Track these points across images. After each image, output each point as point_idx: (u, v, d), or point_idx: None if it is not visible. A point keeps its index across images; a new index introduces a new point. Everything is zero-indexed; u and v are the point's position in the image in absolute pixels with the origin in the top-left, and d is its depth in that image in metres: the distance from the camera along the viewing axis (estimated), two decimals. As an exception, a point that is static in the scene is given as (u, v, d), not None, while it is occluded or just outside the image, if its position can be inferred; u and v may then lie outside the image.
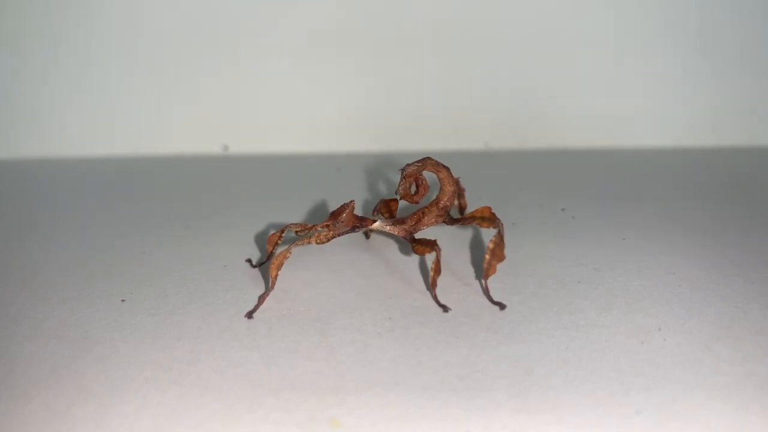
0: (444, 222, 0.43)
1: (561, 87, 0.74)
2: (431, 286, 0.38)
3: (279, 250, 0.45)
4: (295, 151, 0.75)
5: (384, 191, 0.61)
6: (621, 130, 0.76)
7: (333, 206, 0.56)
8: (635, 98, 0.74)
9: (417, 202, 0.42)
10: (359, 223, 0.41)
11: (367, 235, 0.49)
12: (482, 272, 0.39)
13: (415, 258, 0.45)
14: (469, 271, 0.43)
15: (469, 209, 0.53)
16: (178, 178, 0.67)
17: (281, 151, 0.75)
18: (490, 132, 0.75)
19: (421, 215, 0.42)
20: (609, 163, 0.70)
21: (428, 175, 0.57)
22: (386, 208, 0.45)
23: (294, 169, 0.71)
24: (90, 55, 0.70)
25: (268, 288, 0.38)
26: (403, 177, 0.40)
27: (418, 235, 0.45)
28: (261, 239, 0.49)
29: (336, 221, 0.39)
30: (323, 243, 0.40)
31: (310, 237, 0.40)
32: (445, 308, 0.37)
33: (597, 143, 0.76)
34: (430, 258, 0.43)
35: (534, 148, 0.76)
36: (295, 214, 0.55)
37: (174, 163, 0.72)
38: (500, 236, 0.38)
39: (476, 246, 0.47)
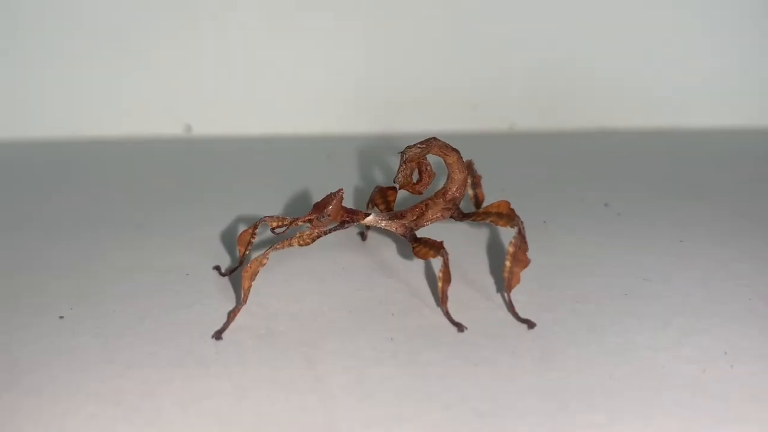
0: (452, 217, 0.43)
1: (603, 56, 0.74)
2: (441, 300, 0.38)
3: (253, 254, 0.45)
4: (273, 133, 0.75)
5: (381, 180, 0.61)
6: (677, 108, 0.76)
7: (318, 197, 0.55)
8: (695, 69, 0.74)
9: (420, 193, 0.42)
10: (349, 217, 0.40)
11: (363, 236, 0.49)
12: (503, 284, 0.39)
13: (422, 265, 0.45)
14: (490, 281, 0.43)
15: (488, 203, 0.52)
16: (130, 165, 0.67)
17: (256, 132, 0.75)
18: (515, 109, 0.75)
19: (424, 208, 0.42)
20: (662, 148, 0.70)
21: (434, 159, 0.56)
22: (382, 199, 0.45)
23: (272, 154, 0.71)
24: (17, 16, 0.70)
25: (240, 302, 0.38)
26: (404, 162, 0.40)
27: (420, 233, 0.45)
28: (232, 241, 0.49)
29: (321, 214, 0.39)
30: (307, 244, 0.40)
31: (290, 238, 0.40)
32: (460, 327, 0.37)
33: (647, 123, 0.76)
34: (437, 264, 0.42)
35: (570, 128, 0.76)
36: (273, 209, 0.55)
37: (124, 147, 0.72)
38: (521, 237, 0.38)
39: (498, 249, 0.47)
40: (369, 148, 0.70)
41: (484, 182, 0.51)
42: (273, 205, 0.56)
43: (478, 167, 0.50)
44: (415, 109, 0.75)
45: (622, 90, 0.75)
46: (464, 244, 0.48)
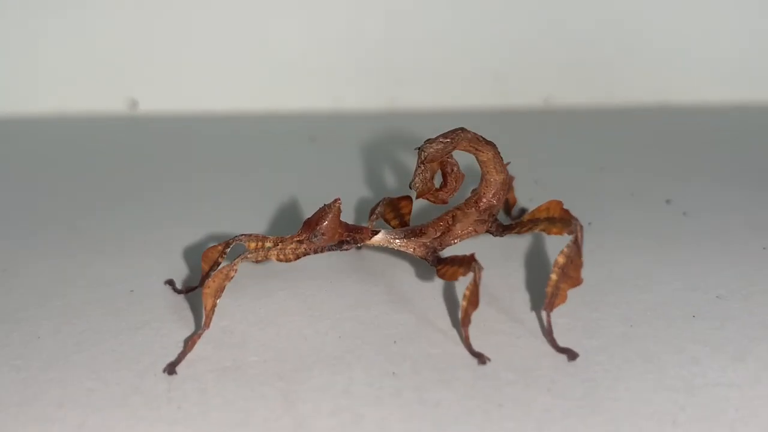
0: (489, 231, 0.42)
1: (659, 15, 0.74)
2: (462, 324, 0.38)
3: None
4: (242, 110, 0.75)
5: (389, 180, 0.61)
6: (753, 80, 0.76)
7: (304, 198, 0.55)
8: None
9: (445, 202, 0.42)
10: (350, 236, 0.41)
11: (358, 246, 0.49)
12: (543, 301, 0.39)
13: (432, 280, 0.45)
14: (521, 298, 0.43)
15: (522, 201, 0.52)
16: (59, 150, 0.67)
17: (220, 109, 0.75)
18: (552, 82, 0.75)
19: (450, 222, 0.42)
20: (740, 128, 0.70)
21: (461, 156, 0.56)
22: (394, 212, 0.45)
23: (242, 137, 0.71)
24: None
25: (201, 326, 0.38)
26: (422, 161, 0.40)
27: (446, 253, 0.45)
28: (190, 248, 0.49)
29: (313, 234, 0.39)
30: (289, 261, 0.40)
31: (267, 249, 0.40)
32: (481, 358, 0.37)
33: (718, 97, 0.76)
34: (461, 281, 0.42)
35: (619, 104, 0.76)
36: (243, 208, 0.54)
37: (52, 127, 0.71)
38: (577, 247, 0.38)
39: (532, 259, 0.47)
40: (369, 133, 0.70)
41: (512, 173, 0.51)
42: (242, 202, 0.56)
43: (504, 151, 0.50)
44: (426, 80, 0.75)
45: (684, 56, 0.75)
46: (487, 249, 0.47)
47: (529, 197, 0.54)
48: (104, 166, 0.63)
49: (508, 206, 0.50)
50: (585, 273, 0.44)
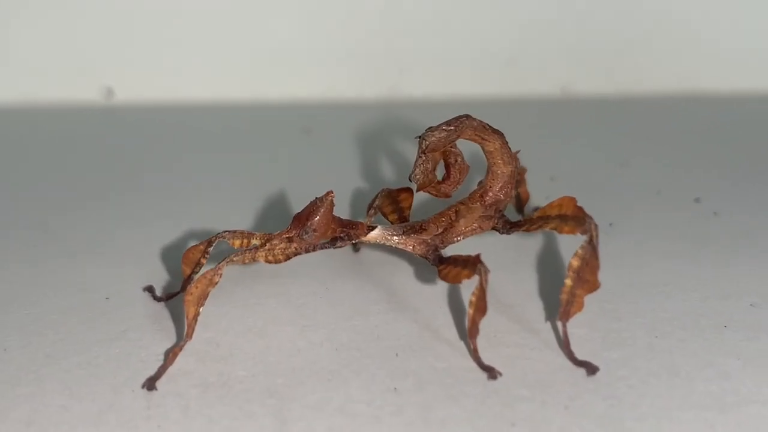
0: (495, 229, 0.42)
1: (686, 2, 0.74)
2: (469, 335, 0.37)
3: (202, 270, 0.45)
4: (228, 99, 0.75)
5: (388, 175, 0.61)
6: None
7: (295, 194, 0.55)
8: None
9: (448, 195, 0.42)
10: (344, 232, 0.41)
11: (355, 246, 0.49)
12: (558, 310, 0.39)
13: (437, 285, 0.45)
14: (535, 306, 0.43)
15: (536, 198, 0.52)
16: (29, 143, 0.67)
17: (203, 98, 0.75)
18: (570, 68, 0.75)
19: (453, 217, 0.42)
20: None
21: (467, 146, 0.56)
22: (392, 206, 0.45)
23: (228, 129, 0.71)
24: None
25: (183, 337, 0.38)
26: (423, 151, 0.40)
27: (448, 251, 0.45)
28: (170, 251, 0.49)
29: (303, 230, 0.39)
30: (279, 261, 0.40)
31: (254, 249, 0.40)
32: (491, 372, 0.37)
33: (753, 84, 0.76)
34: (467, 286, 0.42)
35: (642, 93, 0.76)
36: (229, 206, 0.54)
37: (21, 117, 0.71)
38: (592, 248, 0.38)
39: (548, 262, 0.47)
40: (367, 123, 0.70)
41: (527, 174, 0.51)
42: (228, 199, 0.55)
43: (517, 145, 0.50)
44: (430, 65, 0.75)
45: (716, 39, 0.75)
46: (497, 252, 0.47)
47: (544, 195, 0.54)
48: (77, 161, 0.63)
49: (521, 203, 0.50)
50: (606, 279, 0.44)
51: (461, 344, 0.40)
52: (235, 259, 0.39)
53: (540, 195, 0.54)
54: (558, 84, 0.76)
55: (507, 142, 0.41)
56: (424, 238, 0.42)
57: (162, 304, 0.43)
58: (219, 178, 0.60)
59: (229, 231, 0.41)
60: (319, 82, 0.75)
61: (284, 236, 0.39)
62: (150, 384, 0.37)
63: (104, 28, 0.73)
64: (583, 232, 0.38)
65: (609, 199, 0.55)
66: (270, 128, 0.71)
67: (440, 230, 0.42)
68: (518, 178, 0.49)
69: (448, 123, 0.39)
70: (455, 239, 0.42)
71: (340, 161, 0.63)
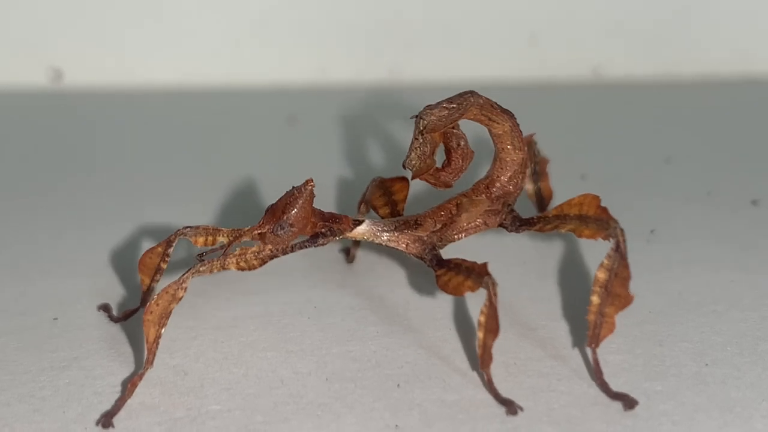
0: (502, 225, 0.42)
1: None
2: (481, 363, 0.37)
3: (163, 283, 0.45)
4: (199, 83, 0.75)
5: (380, 163, 0.61)
6: None
7: (273, 194, 0.55)
8: None
9: (448, 185, 0.42)
10: (326, 227, 0.41)
11: (349, 254, 0.49)
12: (586, 334, 0.39)
13: (447, 301, 0.45)
14: (562, 328, 0.43)
15: (558, 198, 0.52)
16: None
17: (167, 81, 0.75)
18: (603, 47, 0.75)
19: (454, 211, 0.42)
20: None
21: (471, 129, 0.56)
22: (384, 198, 0.45)
23: (199, 117, 0.71)
24: None
25: (144, 364, 0.38)
26: (420, 132, 0.40)
27: (448, 252, 0.45)
28: (129, 264, 0.49)
29: (278, 224, 0.39)
30: (253, 268, 0.40)
31: (223, 256, 0.39)
32: (511, 407, 0.37)
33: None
34: (475, 300, 0.42)
35: (689, 76, 0.76)
36: (199, 208, 0.54)
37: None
38: (620, 256, 0.38)
39: (578, 276, 0.47)
40: (359, 109, 0.70)
41: (551, 166, 0.51)
42: (199, 199, 0.55)
43: (542, 138, 0.50)
44: (438, 44, 0.75)
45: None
46: (513, 262, 0.47)
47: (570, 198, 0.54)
48: (19, 152, 0.63)
49: (543, 201, 0.50)
50: (646, 295, 0.44)
51: (474, 373, 0.39)
52: (201, 269, 0.39)
53: (569, 196, 0.54)
54: (589, 65, 0.76)
55: (518, 125, 0.41)
56: (420, 234, 0.42)
57: (120, 326, 0.43)
58: (187, 174, 0.60)
59: (190, 227, 0.41)
60: (307, 64, 0.75)
61: (256, 231, 0.39)
62: (106, 420, 0.37)
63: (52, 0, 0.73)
64: (606, 238, 0.38)
65: (650, 201, 0.55)
66: (249, 118, 0.71)
67: (438, 226, 0.42)
68: (539, 169, 0.49)
69: (449, 100, 0.39)
70: (456, 237, 0.42)
71: (331, 156, 0.63)
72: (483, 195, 0.42)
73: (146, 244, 0.50)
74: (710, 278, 0.47)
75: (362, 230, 0.42)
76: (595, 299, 0.38)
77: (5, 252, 0.50)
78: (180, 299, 0.38)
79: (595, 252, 0.49)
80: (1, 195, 0.57)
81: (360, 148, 0.64)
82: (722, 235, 0.51)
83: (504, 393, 0.38)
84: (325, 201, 0.54)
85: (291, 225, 0.39)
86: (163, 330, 0.38)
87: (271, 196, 0.56)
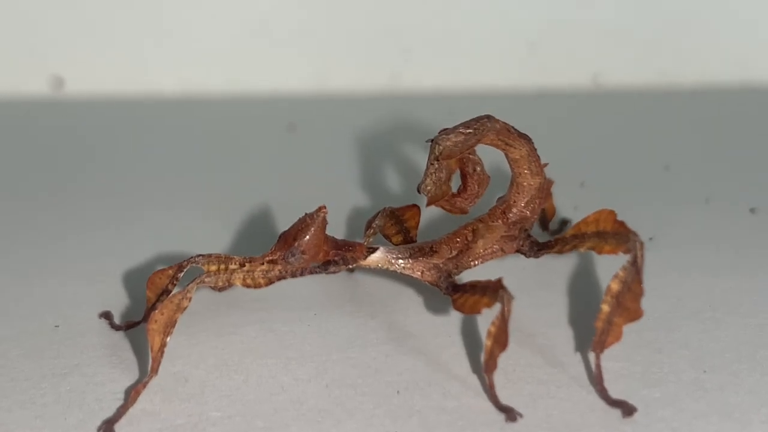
0: (520, 251, 0.42)
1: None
2: (485, 369, 0.37)
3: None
4: (200, 91, 0.75)
5: (390, 182, 0.61)
6: None
7: (280, 204, 0.55)
8: None
9: (464, 212, 0.42)
10: (339, 255, 0.41)
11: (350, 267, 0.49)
12: (591, 341, 0.39)
13: (446, 310, 0.45)
14: (562, 336, 0.43)
15: (563, 210, 0.52)
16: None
17: (171, 90, 0.75)
18: (602, 55, 0.75)
19: (470, 237, 0.42)
20: None
21: (488, 154, 0.56)
22: (396, 227, 0.45)
23: (200, 126, 0.70)
24: None
25: (148, 372, 0.38)
26: (436, 157, 0.40)
27: (464, 277, 0.45)
28: (132, 270, 0.49)
29: (290, 252, 0.39)
30: (259, 286, 0.40)
31: (231, 272, 0.40)
32: (510, 414, 0.37)
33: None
34: (485, 315, 0.42)
35: (689, 84, 0.76)
36: (201, 216, 0.54)
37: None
38: (636, 270, 0.38)
39: (576, 285, 0.47)
40: (365, 121, 0.70)
41: (549, 173, 0.51)
42: (200, 209, 0.55)
43: (541, 146, 0.50)
44: (439, 51, 0.75)
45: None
46: (512, 268, 0.47)
47: (573, 205, 0.54)
48: (20, 160, 0.63)
49: (545, 218, 0.50)
50: (644, 302, 0.44)
51: (474, 380, 0.39)
52: (206, 280, 0.39)
53: (567, 204, 0.54)
54: (588, 73, 0.76)
55: (535, 149, 0.41)
56: (435, 262, 0.41)
57: (121, 333, 0.43)
58: (189, 182, 0.60)
59: (202, 255, 0.40)
60: (307, 71, 0.75)
61: (267, 259, 0.39)
62: (107, 427, 0.37)
63: (53, 7, 0.73)
64: (626, 252, 0.38)
65: (648, 208, 0.55)
66: (249, 125, 0.71)
67: (454, 253, 0.41)
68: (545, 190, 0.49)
69: (466, 125, 0.39)
70: (472, 263, 0.42)
71: (333, 165, 0.63)
72: (499, 221, 0.42)
73: (147, 251, 0.50)
74: (709, 285, 0.47)
75: (376, 258, 0.42)
76: (605, 308, 0.38)
77: (7, 259, 0.50)
78: (185, 309, 0.38)
79: (595, 258, 0.49)
80: (2, 202, 0.57)
81: (360, 155, 0.64)
82: (721, 242, 0.51)
83: (503, 400, 0.38)
84: (335, 224, 0.54)
85: (303, 252, 0.39)
86: (168, 339, 0.38)
87: (271, 202, 0.56)
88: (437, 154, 0.39)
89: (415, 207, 0.45)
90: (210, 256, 0.41)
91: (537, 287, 0.47)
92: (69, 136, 0.68)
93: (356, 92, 0.75)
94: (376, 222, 0.45)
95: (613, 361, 0.40)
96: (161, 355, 0.38)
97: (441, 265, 0.41)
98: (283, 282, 0.46)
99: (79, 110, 0.72)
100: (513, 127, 0.40)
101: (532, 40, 0.75)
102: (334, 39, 0.75)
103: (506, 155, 0.41)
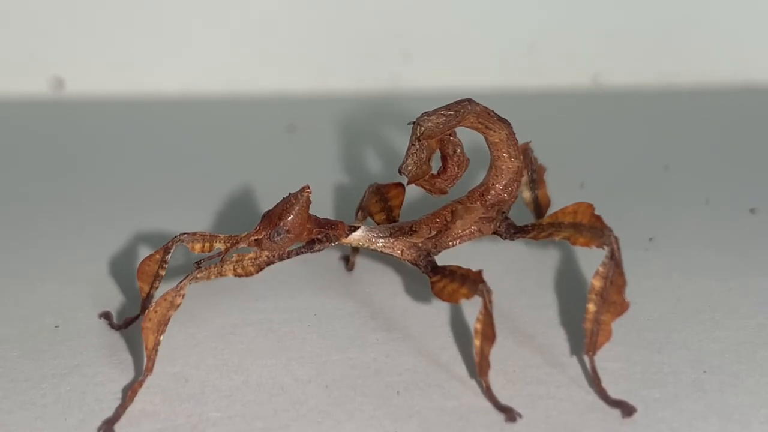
0: (496, 233, 0.43)
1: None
2: (479, 371, 0.37)
3: (162, 290, 0.45)
4: (198, 92, 0.75)
5: (379, 171, 0.62)
6: None
7: (273, 201, 0.55)
8: None
9: (444, 192, 0.42)
10: (322, 233, 0.41)
11: (348, 262, 0.49)
12: (583, 340, 0.39)
13: (446, 309, 0.45)
14: (560, 335, 0.43)
15: (556, 206, 0.52)
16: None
17: (168, 90, 0.75)
18: (601, 55, 0.75)
19: (449, 217, 0.42)
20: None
21: (468, 136, 0.56)
22: (380, 204, 0.45)
23: (198, 126, 0.70)
24: None
25: (143, 371, 0.38)
26: (417, 139, 0.40)
27: (445, 259, 0.45)
28: (131, 267, 0.48)
29: (275, 230, 0.39)
30: (250, 274, 0.40)
31: (220, 263, 0.40)
32: (510, 414, 0.37)
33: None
34: (471, 308, 0.42)
35: (688, 84, 0.76)
36: (198, 220, 0.54)
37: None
38: (614, 263, 0.38)
39: (577, 284, 0.47)
40: (357, 118, 0.70)
41: (549, 174, 0.51)
42: (198, 208, 0.55)
43: (541, 146, 0.50)
44: (439, 52, 0.75)
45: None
46: (510, 269, 0.47)
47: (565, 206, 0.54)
48: (20, 160, 0.63)
49: (540, 208, 0.50)
50: (645, 303, 0.44)
51: (474, 380, 0.39)
52: (199, 276, 0.39)
53: (567, 204, 0.54)
54: (588, 73, 0.76)
55: (514, 133, 0.41)
56: (415, 241, 0.42)
57: (120, 332, 0.43)
58: (187, 182, 0.60)
59: (187, 233, 0.41)
60: (306, 72, 0.75)
61: (252, 237, 0.39)
62: (107, 428, 0.37)
63: (53, 8, 0.73)
64: (600, 246, 0.38)
65: (649, 209, 0.55)
66: (249, 126, 0.71)
67: (433, 233, 0.42)
68: (536, 177, 0.49)
69: (447, 107, 0.40)
70: (450, 243, 0.42)
71: (330, 164, 0.63)
72: (478, 202, 0.42)
73: (147, 252, 0.50)
74: (708, 286, 0.47)
75: (357, 236, 0.42)
76: (591, 307, 0.38)
77: (7, 259, 0.50)
78: (178, 306, 0.38)
79: (592, 259, 0.48)
80: (2, 203, 0.57)
81: (359, 156, 0.64)
82: (720, 243, 0.51)
83: (503, 400, 0.38)
84: (325, 208, 0.54)
85: (287, 231, 0.39)
86: (162, 337, 0.38)
87: (270, 203, 0.56)
88: (418, 134, 0.40)
89: (400, 186, 0.45)
90: (195, 234, 0.41)
91: (537, 287, 0.47)
92: (69, 136, 0.68)
93: (356, 92, 0.75)
94: (363, 200, 0.46)
95: (612, 361, 0.40)
96: (156, 353, 0.38)
97: (420, 245, 0.42)
98: (281, 281, 0.46)
99: (79, 110, 0.72)
100: (493, 111, 0.41)
101: (532, 40, 0.75)
102: (334, 39, 0.75)
103: (486, 138, 0.41)
